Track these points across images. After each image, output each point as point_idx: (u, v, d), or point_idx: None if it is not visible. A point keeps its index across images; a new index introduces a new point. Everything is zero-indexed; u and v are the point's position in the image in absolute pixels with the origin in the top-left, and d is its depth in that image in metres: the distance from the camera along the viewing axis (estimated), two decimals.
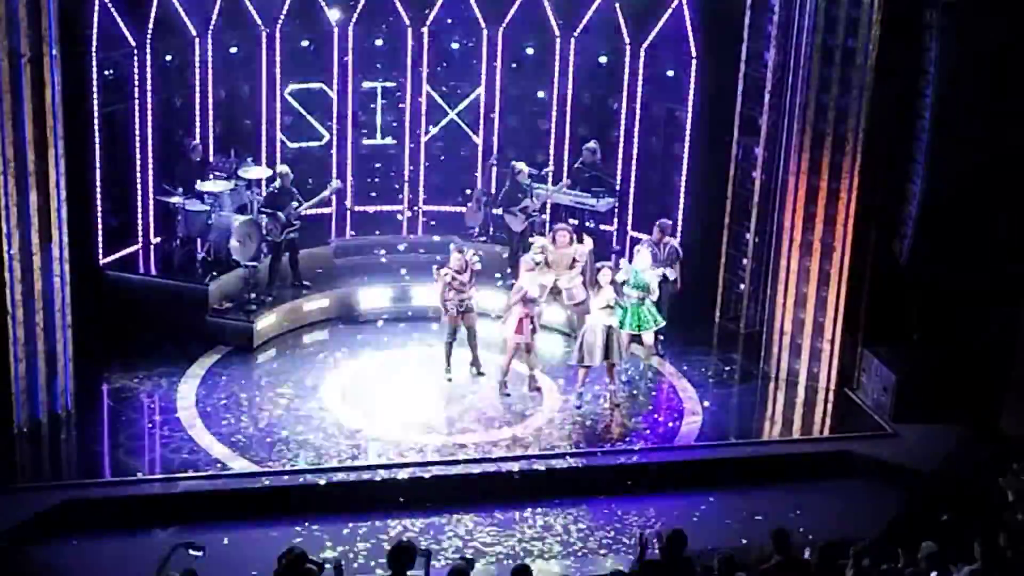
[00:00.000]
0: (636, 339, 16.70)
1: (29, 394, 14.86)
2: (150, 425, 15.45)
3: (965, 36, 14.99)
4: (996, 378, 15.33)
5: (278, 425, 15.44)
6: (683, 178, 18.85)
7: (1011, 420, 14.99)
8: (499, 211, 18.77)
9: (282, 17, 18.89)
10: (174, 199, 17.82)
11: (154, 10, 17.69)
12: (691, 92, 18.59)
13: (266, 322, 17.56)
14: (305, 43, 19.25)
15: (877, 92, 15.63)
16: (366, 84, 19.68)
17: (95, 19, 16.96)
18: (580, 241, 16.91)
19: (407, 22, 19.43)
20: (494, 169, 19.75)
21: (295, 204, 17.86)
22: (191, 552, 10.21)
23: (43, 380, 14.94)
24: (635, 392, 16.56)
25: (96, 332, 16.48)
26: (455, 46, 19.69)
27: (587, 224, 19.07)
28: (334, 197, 19.17)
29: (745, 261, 18.02)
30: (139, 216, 18.27)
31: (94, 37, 17.00)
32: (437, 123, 19.95)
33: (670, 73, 18.85)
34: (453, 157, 20.12)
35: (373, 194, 19.97)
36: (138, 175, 18.11)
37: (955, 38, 15.00)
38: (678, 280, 17.17)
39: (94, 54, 17.05)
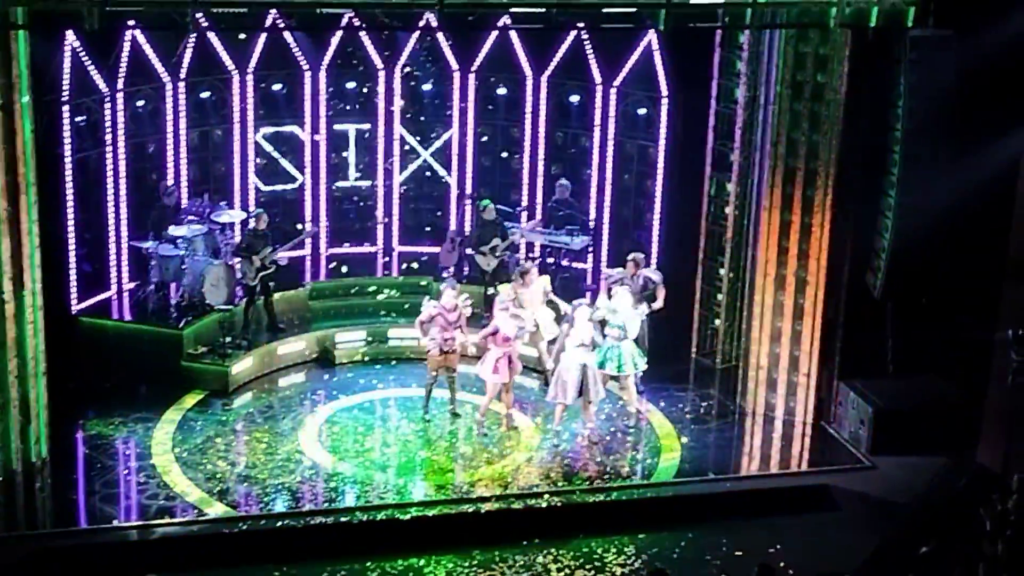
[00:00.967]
0: (614, 378, 16.67)
1: (3, 442, 14.75)
2: (126, 472, 15.35)
3: (932, 70, 15.12)
4: (972, 409, 15.37)
5: (255, 469, 15.36)
6: (656, 215, 18.94)
7: (987, 450, 15.03)
8: (471, 251, 18.82)
9: (253, 61, 18.93)
10: (147, 244, 17.78)
11: (125, 56, 17.71)
12: (662, 129, 18.71)
13: (242, 366, 17.51)
14: (277, 86, 19.29)
15: (847, 127, 15.75)
16: (338, 126, 19.72)
17: (66, 66, 16.96)
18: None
19: (379, 65, 19.49)
20: (468, 209, 19.79)
21: (269, 248, 17.85)
22: None
23: (17, 428, 14.83)
24: (613, 429, 16.54)
25: (71, 379, 16.40)
26: (427, 88, 19.76)
27: (562, 263, 19.13)
28: (308, 240, 19.17)
29: (720, 296, 18.07)
30: (113, 262, 18.23)
31: (65, 84, 17.00)
32: (409, 165, 19.99)
33: (641, 111, 18.99)
34: (426, 198, 20.14)
35: (346, 242, 19.95)
36: (111, 221, 18.08)
37: (922, 72, 15.13)
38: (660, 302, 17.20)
39: (66, 101, 17.04)
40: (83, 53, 17.12)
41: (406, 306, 18.51)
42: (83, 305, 17.78)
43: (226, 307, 17.60)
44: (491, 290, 18.16)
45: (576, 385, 15.77)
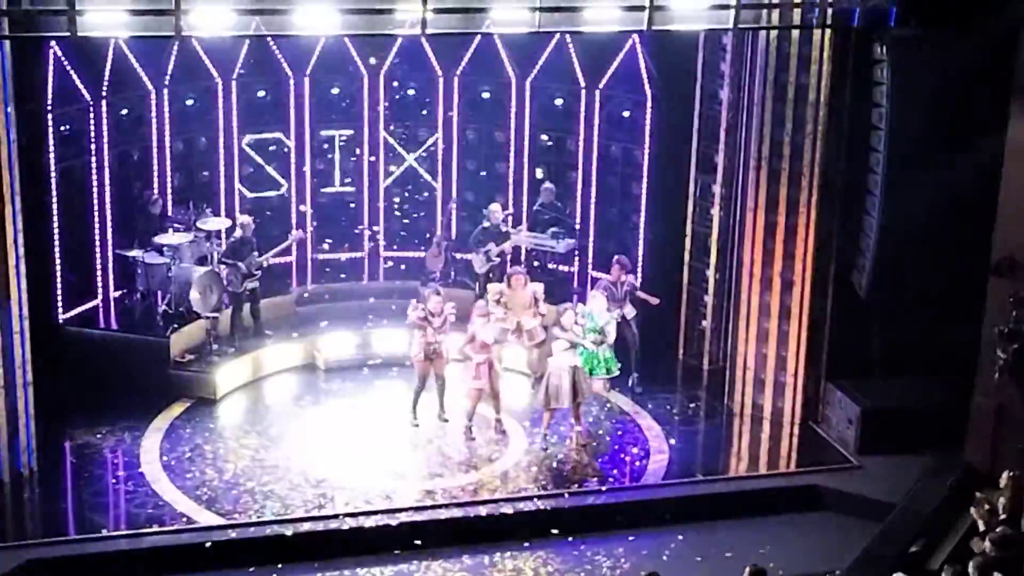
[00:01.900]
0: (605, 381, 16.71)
1: None
2: (114, 481, 15.33)
3: (915, 69, 15.16)
4: (959, 407, 15.42)
5: (243, 476, 15.34)
6: (642, 217, 18.96)
7: (974, 449, 15.07)
8: (466, 254, 18.80)
9: (238, 68, 18.91)
10: (133, 252, 17.76)
11: (109, 64, 17.66)
12: (647, 131, 18.73)
13: (229, 373, 17.49)
14: (261, 93, 19.26)
15: (831, 127, 15.79)
16: (324, 132, 19.70)
17: (50, 75, 16.91)
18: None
19: (364, 70, 19.48)
20: (453, 213, 19.80)
21: (255, 254, 17.83)
22: None
23: (4, 438, 14.78)
24: (600, 432, 16.55)
25: (57, 388, 16.35)
26: (411, 92, 19.75)
27: (548, 266, 19.14)
28: (295, 245, 19.17)
29: (706, 298, 18.10)
30: (98, 271, 18.18)
31: (49, 92, 16.95)
32: (395, 169, 19.98)
33: (626, 113, 18.99)
34: (412, 203, 20.14)
35: (330, 241, 19.93)
36: (96, 229, 18.03)
37: (905, 72, 15.17)
38: (637, 314, 17.22)
39: (50, 109, 17.00)
40: (66, 61, 17.07)
41: (393, 307, 18.49)
42: (69, 314, 17.73)
43: (213, 314, 17.58)
44: (482, 294, 18.19)
45: (569, 389, 15.76)
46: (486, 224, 18.73)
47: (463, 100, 19.70)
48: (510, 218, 19.31)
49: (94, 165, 17.85)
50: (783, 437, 16.71)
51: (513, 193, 19.72)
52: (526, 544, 14.31)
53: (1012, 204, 14.49)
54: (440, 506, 14.81)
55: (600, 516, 14.85)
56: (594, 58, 18.88)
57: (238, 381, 17.60)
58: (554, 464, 15.81)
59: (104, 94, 17.76)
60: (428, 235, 19.74)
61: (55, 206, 17.26)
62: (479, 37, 18.74)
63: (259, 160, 19.40)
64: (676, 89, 18.12)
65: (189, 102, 18.81)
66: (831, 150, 15.89)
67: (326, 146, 19.70)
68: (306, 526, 14.37)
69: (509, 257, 19.04)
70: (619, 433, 16.60)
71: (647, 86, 18.57)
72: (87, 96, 17.55)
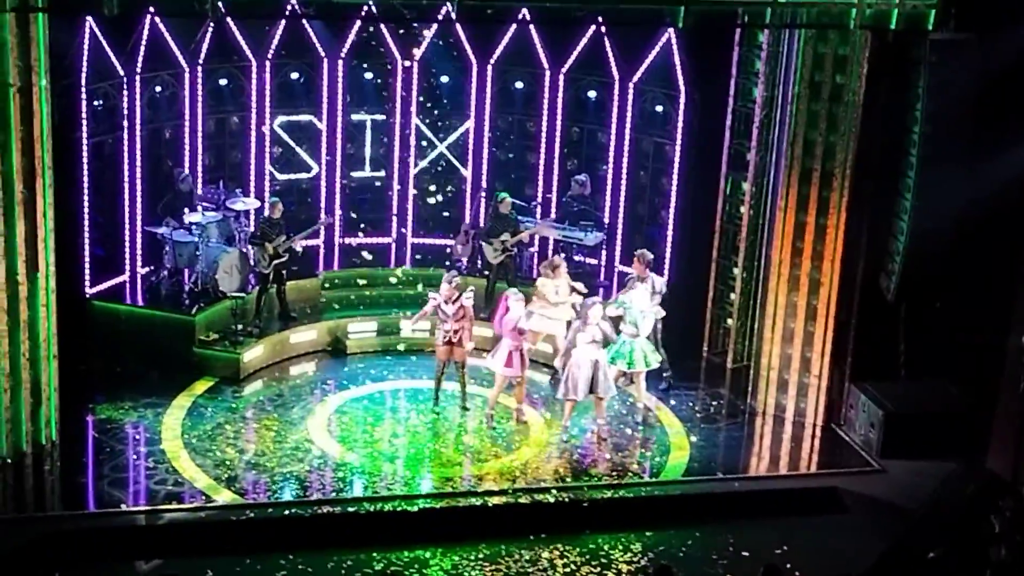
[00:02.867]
0: (625, 374, 16.64)
1: (14, 424, 14.79)
2: (135, 457, 15.38)
3: (952, 73, 15.06)
4: (983, 414, 15.33)
5: (264, 457, 15.37)
6: (671, 212, 18.90)
7: (998, 457, 14.99)
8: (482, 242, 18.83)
9: (272, 50, 18.92)
10: (162, 229, 17.81)
11: (144, 41, 17.71)
12: (679, 127, 18.66)
13: (253, 354, 17.52)
14: (295, 75, 19.27)
15: (864, 128, 15.70)
16: (355, 116, 19.70)
17: (85, 50, 16.97)
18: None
19: (397, 56, 19.47)
20: (483, 202, 19.78)
21: (283, 236, 17.86)
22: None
23: (28, 411, 14.86)
24: (622, 426, 16.53)
25: (82, 363, 16.44)
26: (445, 80, 19.73)
27: (575, 258, 19.11)
28: (322, 229, 19.18)
29: (732, 296, 18.04)
30: (127, 247, 18.24)
31: (84, 68, 17.01)
32: (426, 156, 19.97)
33: (659, 108, 18.92)
34: (442, 190, 20.12)
35: (362, 226, 19.93)
36: (126, 206, 18.09)
37: (942, 75, 15.07)
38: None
39: (84, 84, 17.06)
40: (102, 37, 17.12)
41: (419, 287, 18.45)
42: (96, 289, 17.80)
43: (239, 294, 17.62)
44: (497, 284, 18.18)
45: (587, 381, 15.75)
46: (500, 212, 18.64)
47: (496, 89, 19.67)
48: (538, 208, 19.27)
49: (126, 141, 17.91)
50: (805, 438, 16.65)
51: (543, 184, 19.69)
52: (543, 535, 14.29)
53: None
54: (458, 494, 14.80)
55: (618, 510, 14.81)
56: (628, 52, 18.82)
57: (262, 362, 17.64)
58: (574, 456, 15.79)
59: (138, 71, 17.81)
60: (456, 224, 19.73)
61: (86, 181, 17.34)
62: (514, 27, 18.71)
63: (290, 142, 19.41)
64: (710, 85, 18.04)
65: (223, 81, 18.84)
66: (864, 151, 15.80)
67: (358, 131, 19.70)
68: (324, 509, 14.39)
69: (536, 250, 19.01)
70: (640, 428, 16.56)
71: (681, 81, 18.50)
72: (121, 72, 17.60)
